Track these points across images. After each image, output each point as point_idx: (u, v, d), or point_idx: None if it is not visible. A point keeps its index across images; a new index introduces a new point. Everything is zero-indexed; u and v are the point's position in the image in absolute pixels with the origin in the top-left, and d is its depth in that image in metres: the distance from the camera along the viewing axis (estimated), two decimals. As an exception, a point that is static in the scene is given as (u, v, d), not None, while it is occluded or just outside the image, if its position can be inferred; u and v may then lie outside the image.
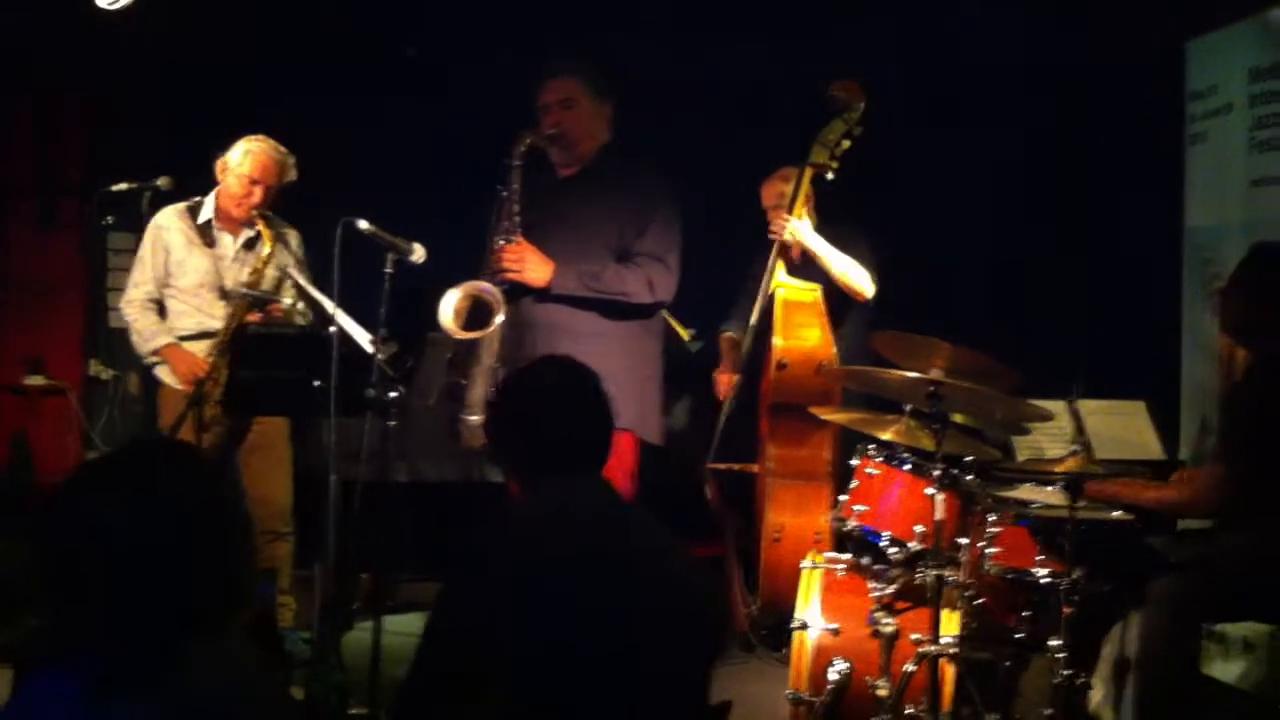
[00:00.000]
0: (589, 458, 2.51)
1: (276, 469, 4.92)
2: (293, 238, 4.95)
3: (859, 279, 4.83)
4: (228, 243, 4.87)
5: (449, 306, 4.21)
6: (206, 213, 4.87)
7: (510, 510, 2.53)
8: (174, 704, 1.78)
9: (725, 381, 5.10)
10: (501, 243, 4.35)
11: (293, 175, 4.87)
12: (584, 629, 2.27)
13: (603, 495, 2.50)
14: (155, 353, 4.82)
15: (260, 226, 4.75)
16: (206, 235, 4.86)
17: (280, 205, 4.92)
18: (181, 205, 4.89)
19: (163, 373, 4.84)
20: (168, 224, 4.86)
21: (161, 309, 4.87)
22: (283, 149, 4.84)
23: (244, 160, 4.78)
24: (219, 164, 4.81)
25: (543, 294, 4.36)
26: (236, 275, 4.78)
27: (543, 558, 2.32)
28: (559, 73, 4.49)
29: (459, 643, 2.31)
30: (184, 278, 4.82)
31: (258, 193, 4.76)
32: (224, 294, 4.77)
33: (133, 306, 4.87)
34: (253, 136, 4.82)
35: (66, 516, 1.82)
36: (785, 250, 4.85)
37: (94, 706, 1.77)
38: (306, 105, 5.69)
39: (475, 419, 4.26)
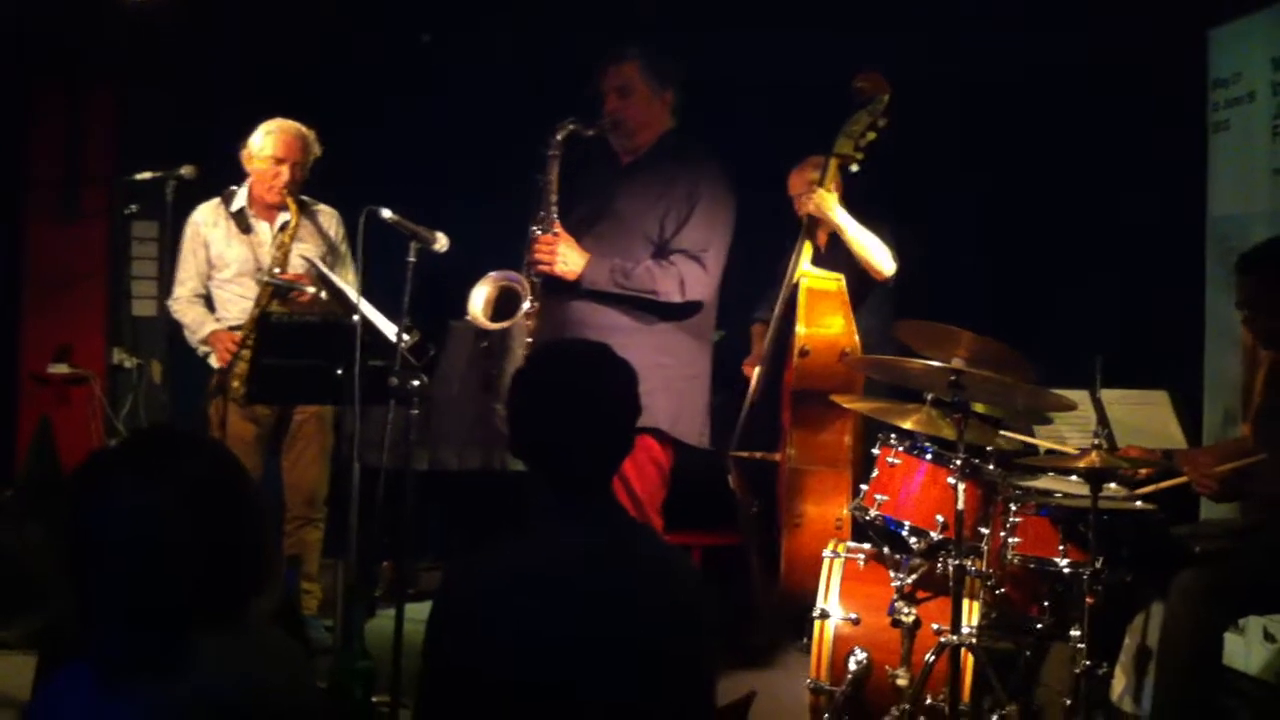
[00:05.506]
0: (588, 461, 2.34)
1: (315, 457, 4.97)
2: (331, 220, 4.98)
3: (880, 256, 4.81)
4: (264, 229, 4.91)
5: (480, 298, 4.21)
6: (239, 201, 4.91)
7: (485, 563, 2.31)
8: (182, 692, 1.78)
9: (754, 371, 5.11)
10: (537, 233, 4.31)
11: (317, 151, 4.89)
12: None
13: (594, 545, 2.29)
14: (204, 341, 4.88)
15: (290, 207, 4.78)
16: (242, 223, 4.90)
17: (312, 191, 4.96)
18: (215, 199, 4.94)
19: (214, 361, 4.86)
20: (203, 219, 4.93)
21: (209, 304, 4.93)
22: (301, 126, 4.85)
23: (265, 142, 4.81)
24: (244, 154, 4.84)
25: (575, 287, 4.30)
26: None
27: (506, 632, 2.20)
28: (616, 59, 4.40)
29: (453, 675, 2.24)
30: (225, 269, 4.88)
31: (284, 171, 4.79)
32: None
33: (179, 303, 4.95)
34: (271, 120, 4.84)
35: (72, 504, 1.83)
36: (812, 235, 4.84)
37: (104, 694, 1.78)
38: (332, 93, 5.71)
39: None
